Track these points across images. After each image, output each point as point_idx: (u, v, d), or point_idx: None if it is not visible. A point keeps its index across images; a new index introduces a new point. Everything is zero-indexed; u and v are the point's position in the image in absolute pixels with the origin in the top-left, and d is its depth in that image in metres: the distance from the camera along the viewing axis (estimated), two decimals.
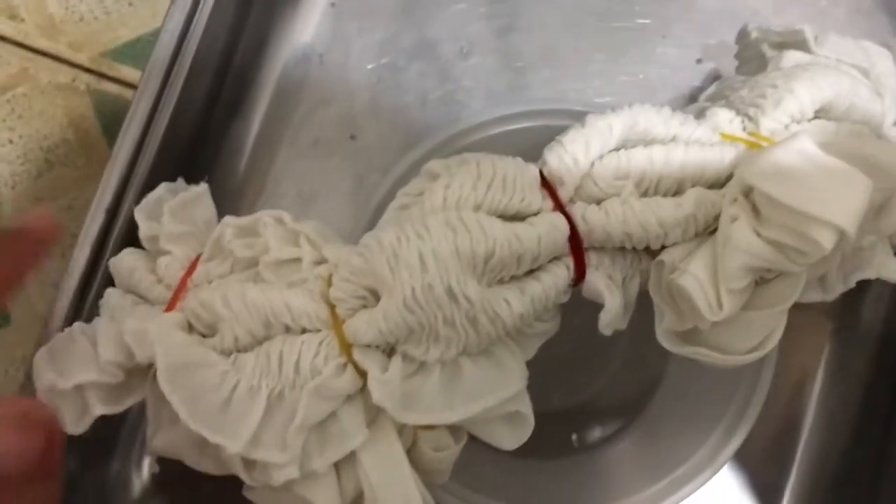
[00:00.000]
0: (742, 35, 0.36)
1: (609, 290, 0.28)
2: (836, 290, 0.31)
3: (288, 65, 0.40)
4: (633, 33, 0.40)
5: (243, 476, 0.26)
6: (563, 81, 0.40)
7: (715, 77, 0.41)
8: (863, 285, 0.34)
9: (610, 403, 0.39)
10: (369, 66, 0.41)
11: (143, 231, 0.30)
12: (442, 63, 0.41)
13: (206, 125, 0.38)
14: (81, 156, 0.43)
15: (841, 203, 0.24)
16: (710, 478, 0.33)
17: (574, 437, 0.38)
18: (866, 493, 0.36)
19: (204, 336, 0.28)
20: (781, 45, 0.35)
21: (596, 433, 0.38)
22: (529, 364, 0.29)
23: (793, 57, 0.33)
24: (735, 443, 0.33)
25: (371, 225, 0.30)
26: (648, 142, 0.28)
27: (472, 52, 0.41)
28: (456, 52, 0.41)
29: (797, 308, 0.32)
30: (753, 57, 0.36)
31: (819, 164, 0.24)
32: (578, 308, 0.29)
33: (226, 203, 0.39)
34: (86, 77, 0.44)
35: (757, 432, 0.36)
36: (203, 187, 0.32)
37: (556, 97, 0.40)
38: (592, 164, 0.27)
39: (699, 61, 0.40)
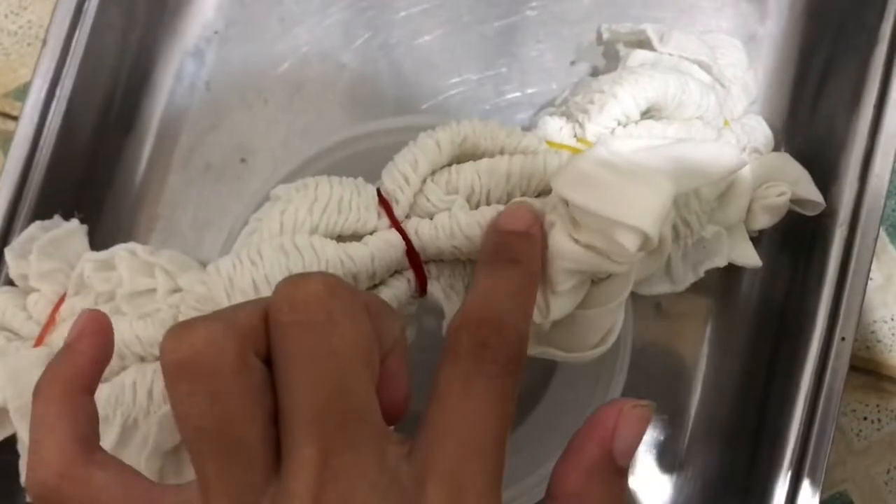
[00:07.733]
0: (598, 36, 0.37)
1: (448, 299, 0.29)
2: (686, 280, 0.32)
3: (174, 94, 0.42)
4: (508, 38, 0.41)
5: None
6: (445, 91, 0.41)
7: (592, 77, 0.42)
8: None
9: None
10: (256, 90, 0.42)
11: (13, 270, 0.32)
12: (327, 80, 0.42)
13: (95, 159, 0.39)
14: None
15: (640, 206, 0.25)
16: None
17: None
18: (749, 441, 0.38)
19: None
20: (636, 44, 0.36)
21: None
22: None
23: (638, 56, 0.34)
24: None
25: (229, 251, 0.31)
26: (479, 155, 0.29)
27: (355, 66, 0.42)
28: (339, 68, 0.42)
29: (682, 293, 0.34)
30: (613, 56, 0.37)
31: (619, 171, 0.26)
32: None
33: (119, 233, 0.40)
34: None
35: (658, 399, 0.38)
36: (75, 223, 0.33)
37: (438, 108, 0.41)
38: (425, 181, 0.29)
39: (573, 63, 0.41)
